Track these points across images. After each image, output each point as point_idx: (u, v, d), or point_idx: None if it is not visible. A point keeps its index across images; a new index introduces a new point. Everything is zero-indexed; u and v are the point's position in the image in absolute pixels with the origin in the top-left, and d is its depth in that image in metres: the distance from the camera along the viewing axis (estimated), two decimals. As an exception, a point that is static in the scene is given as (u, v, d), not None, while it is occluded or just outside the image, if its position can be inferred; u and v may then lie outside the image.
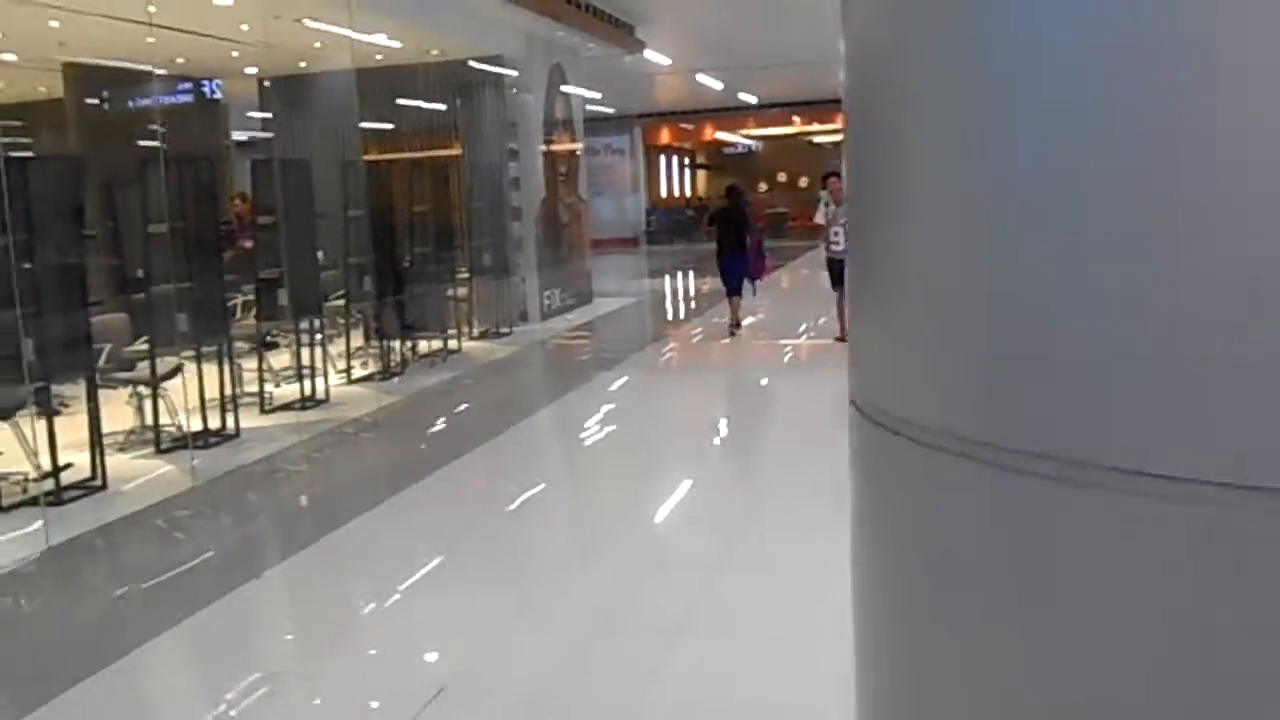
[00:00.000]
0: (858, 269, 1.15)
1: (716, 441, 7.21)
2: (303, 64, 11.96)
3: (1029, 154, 0.84)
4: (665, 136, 28.93)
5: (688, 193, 31.87)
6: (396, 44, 11.18)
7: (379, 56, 11.51)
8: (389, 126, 12.66)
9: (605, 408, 8.21)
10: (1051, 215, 0.83)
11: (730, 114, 26.49)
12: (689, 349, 11.13)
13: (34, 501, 5.23)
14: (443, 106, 12.67)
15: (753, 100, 24.42)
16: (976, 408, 0.93)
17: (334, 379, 8.58)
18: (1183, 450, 0.78)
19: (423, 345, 9.91)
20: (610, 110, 22.14)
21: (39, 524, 4.91)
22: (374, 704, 3.36)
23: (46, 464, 5.36)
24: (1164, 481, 0.78)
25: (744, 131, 28.85)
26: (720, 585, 4.09)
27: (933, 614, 1.02)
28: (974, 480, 0.94)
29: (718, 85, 21.20)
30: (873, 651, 1.16)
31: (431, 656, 3.70)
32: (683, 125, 28.14)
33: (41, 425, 5.36)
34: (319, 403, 7.97)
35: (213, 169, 8.13)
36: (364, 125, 11.99)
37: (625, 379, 9.30)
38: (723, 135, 28.98)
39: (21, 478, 5.39)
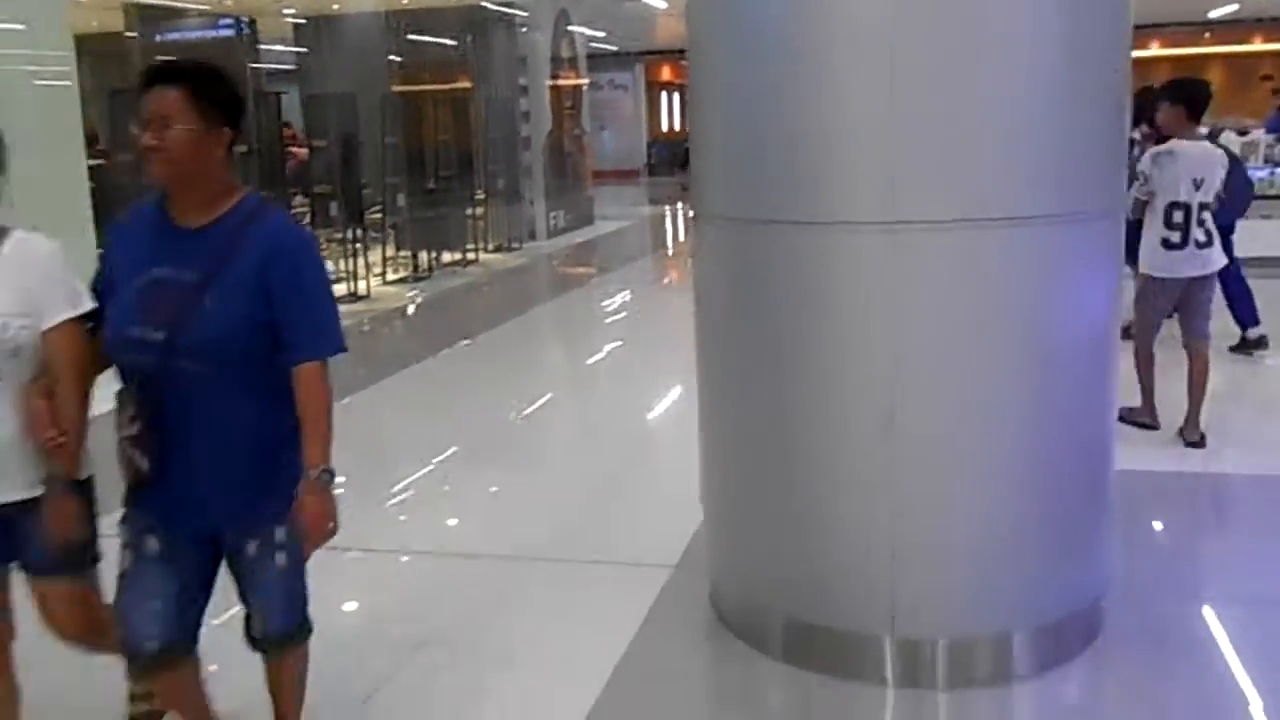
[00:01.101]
0: (693, 146, 2.81)
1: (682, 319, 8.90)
2: (335, 6, 13.39)
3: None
4: (667, 73, 30.11)
5: (687, 127, 33.04)
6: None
7: (405, 0, 12.93)
8: (413, 63, 14.11)
9: (601, 301, 9.95)
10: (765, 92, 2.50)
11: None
12: (676, 261, 12.79)
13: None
14: (460, 45, 14.10)
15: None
16: (725, 199, 2.62)
17: (371, 280, 10.21)
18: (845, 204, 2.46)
19: (445, 256, 11.53)
20: (614, 48, 23.38)
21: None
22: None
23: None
24: (836, 226, 2.46)
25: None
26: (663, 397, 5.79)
27: (715, 338, 2.73)
28: (728, 238, 2.63)
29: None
30: (703, 379, 2.87)
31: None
32: (684, 63, 29.27)
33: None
34: (360, 297, 9.61)
35: (277, 99, 9.69)
36: (391, 60, 13.46)
37: (618, 281, 11.02)
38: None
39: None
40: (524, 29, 14.01)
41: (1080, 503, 2.94)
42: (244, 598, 2.31)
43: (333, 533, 2.17)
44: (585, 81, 16.20)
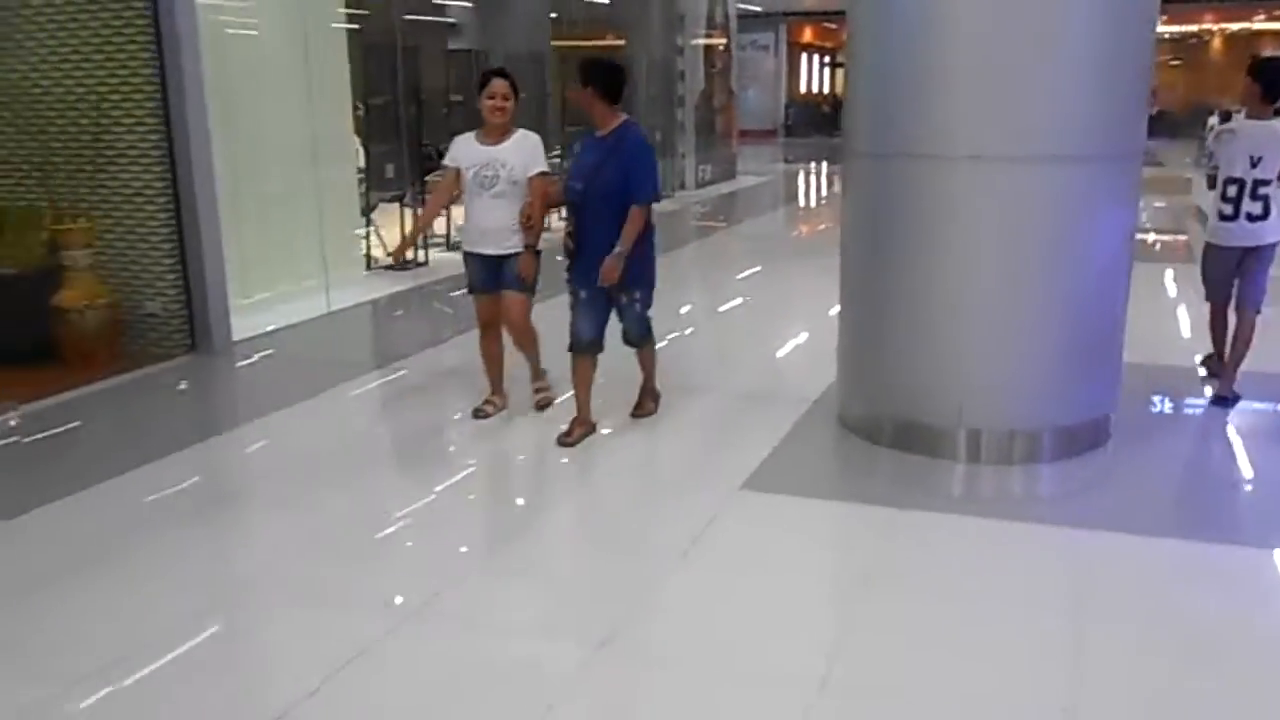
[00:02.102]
0: (846, 96, 4.36)
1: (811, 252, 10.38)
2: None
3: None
4: (808, 35, 31.07)
5: (825, 90, 33.95)
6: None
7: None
8: (579, 21, 15.72)
9: (740, 241, 11.49)
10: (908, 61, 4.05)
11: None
12: (809, 212, 14.24)
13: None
14: (621, 5, 15.64)
15: None
16: (863, 137, 4.18)
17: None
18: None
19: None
20: (758, 9, 24.56)
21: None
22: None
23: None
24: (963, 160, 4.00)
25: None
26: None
27: (870, 251, 4.30)
28: (864, 167, 4.19)
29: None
30: (847, 288, 4.45)
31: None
32: (827, 25, 30.23)
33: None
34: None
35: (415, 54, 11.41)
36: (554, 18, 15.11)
37: (762, 224, 12.58)
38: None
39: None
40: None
41: (1094, 347, 4.39)
42: (621, 321, 4.70)
43: (613, 279, 4.47)
44: (734, 44, 17.58)
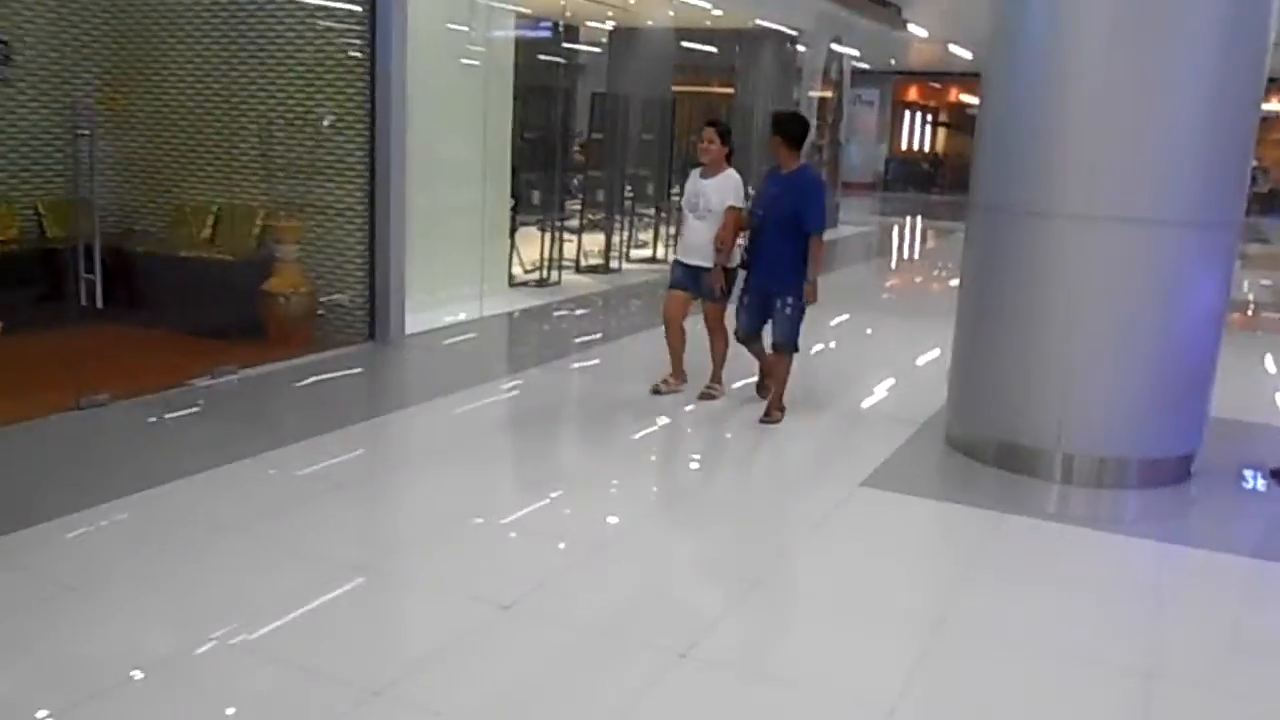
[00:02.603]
0: (974, 154, 5.10)
1: (895, 299, 10.99)
2: (649, 21, 16.13)
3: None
4: (912, 94, 31.71)
5: (925, 147, 34.47)
6: (719, 12, 15.12)
7: (708, 21, 15.50)
8: (699, 71, 16.70)
9: (837, 284, 12.16)
10: (1029, 133, 4.79)
11: (977, 79, 28.99)
12: (908, 263, 14.85)
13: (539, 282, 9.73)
14: (743, 58, 16.56)
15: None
16: (984, 192, 4.91)
17: (639, 254, 12.41)
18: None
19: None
20: (866, 66, 25.31)
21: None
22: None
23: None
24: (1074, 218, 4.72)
25: (987, 95, 31.19)
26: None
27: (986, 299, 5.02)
28: (997, 223, 4.91)
29: (967, 55, 23.98)
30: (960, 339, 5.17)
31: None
32: (931, 85, 30.85)
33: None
34: (657, 260, 12.17)
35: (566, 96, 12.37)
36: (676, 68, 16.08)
37: (865, 269, 13.26)
38: (966, 98, 31.45)
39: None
40: (801, 49, 16.33)
41: (1184, 390, 4.99)
42: (772, 324, 5.71)
43: (815, 301, 5.66)
44: (846, 99, 18.35)
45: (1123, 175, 4.79)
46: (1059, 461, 5.01)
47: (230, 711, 2.89)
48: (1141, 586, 4.07)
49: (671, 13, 15.09)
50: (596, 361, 7.33)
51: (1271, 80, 5.10)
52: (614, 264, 11.29)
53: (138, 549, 3.86)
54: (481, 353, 7.68)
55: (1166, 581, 4.12)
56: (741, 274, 5.93)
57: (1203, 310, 4.99)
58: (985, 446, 5.26)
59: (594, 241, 11.15)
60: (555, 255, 10.14)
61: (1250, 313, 11.04)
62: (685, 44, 16.71)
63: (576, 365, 7.20)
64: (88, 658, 3.08)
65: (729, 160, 5.88)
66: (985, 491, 4.95)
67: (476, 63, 8.56)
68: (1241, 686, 3.32)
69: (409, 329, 7.42)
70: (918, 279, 13.84)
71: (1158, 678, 3.31)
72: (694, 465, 5.47)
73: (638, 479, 5.06)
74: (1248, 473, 5.33)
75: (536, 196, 9.86)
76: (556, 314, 8.95)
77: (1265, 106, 5.48)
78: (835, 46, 17.36)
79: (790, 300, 5.63)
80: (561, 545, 4.08)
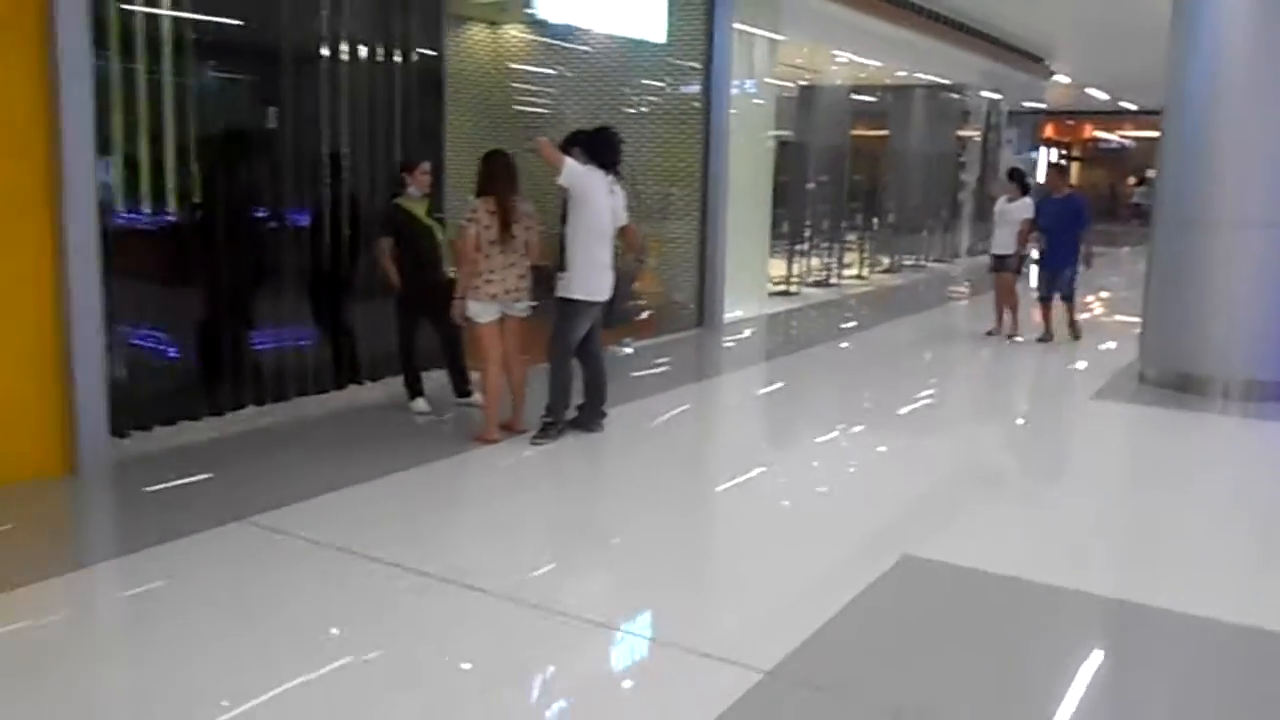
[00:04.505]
0: (1156, 177, 7.82)
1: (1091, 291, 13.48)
2: (838, 81, 19.01)
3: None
4: (1049, 130, 33.77)
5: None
6: (899, 72, 17.88)
7: (887, 80, 18.30)
8: (876, 123, 19.45)
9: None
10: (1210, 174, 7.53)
11: (1110, 116, 30.99)
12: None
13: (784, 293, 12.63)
14: (918, 110, 19.24)
15: (1132, 107, 28.94)
16: (1164, 208, 7.65)
17: (847, 273, 15.34)
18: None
19: (907, 260, 16.72)
20: (1008, 108, 27.62)
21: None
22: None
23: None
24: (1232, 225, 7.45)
25: (1121, 132, 33.11)
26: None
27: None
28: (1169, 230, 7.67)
29: (1103, 96, 26.16)
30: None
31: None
32: (1066, 122, 32.91)
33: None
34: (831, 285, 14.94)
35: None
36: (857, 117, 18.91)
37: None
38: (1100, 134, 33.38)
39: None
40: (965, 99, 18.97)
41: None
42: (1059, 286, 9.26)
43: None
44: (1003, 139, 20.90)
45: (1267, 190, 7.38)
46: (1221, 385, 7.58)
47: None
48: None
49: (863, 75, 17.96)
50: (870, 336, 10.20)
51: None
52: (832, 280, 14.14)
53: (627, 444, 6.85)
54: (788, 331, 10.68)
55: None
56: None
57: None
58: (1169, 378, 7.85)
59: (814, 263, 14.04)
60: (800, 272, 13.06)
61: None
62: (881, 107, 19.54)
63: (845, 344, 10.03)
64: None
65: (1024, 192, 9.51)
66: (1174, 401, 7.56)
67: (760, 118, 11.56)
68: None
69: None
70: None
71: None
72: (978, 372, 8.24)
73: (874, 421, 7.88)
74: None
75: (785, 227, 12.78)
76: (813, 312, 11.82)
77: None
78: (989, 94, 19.92)
79: (1069, 270, 9.50)
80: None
